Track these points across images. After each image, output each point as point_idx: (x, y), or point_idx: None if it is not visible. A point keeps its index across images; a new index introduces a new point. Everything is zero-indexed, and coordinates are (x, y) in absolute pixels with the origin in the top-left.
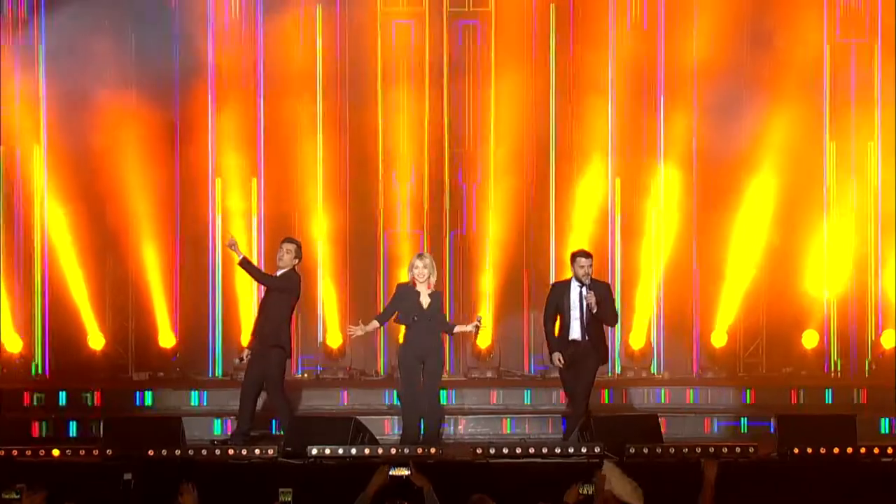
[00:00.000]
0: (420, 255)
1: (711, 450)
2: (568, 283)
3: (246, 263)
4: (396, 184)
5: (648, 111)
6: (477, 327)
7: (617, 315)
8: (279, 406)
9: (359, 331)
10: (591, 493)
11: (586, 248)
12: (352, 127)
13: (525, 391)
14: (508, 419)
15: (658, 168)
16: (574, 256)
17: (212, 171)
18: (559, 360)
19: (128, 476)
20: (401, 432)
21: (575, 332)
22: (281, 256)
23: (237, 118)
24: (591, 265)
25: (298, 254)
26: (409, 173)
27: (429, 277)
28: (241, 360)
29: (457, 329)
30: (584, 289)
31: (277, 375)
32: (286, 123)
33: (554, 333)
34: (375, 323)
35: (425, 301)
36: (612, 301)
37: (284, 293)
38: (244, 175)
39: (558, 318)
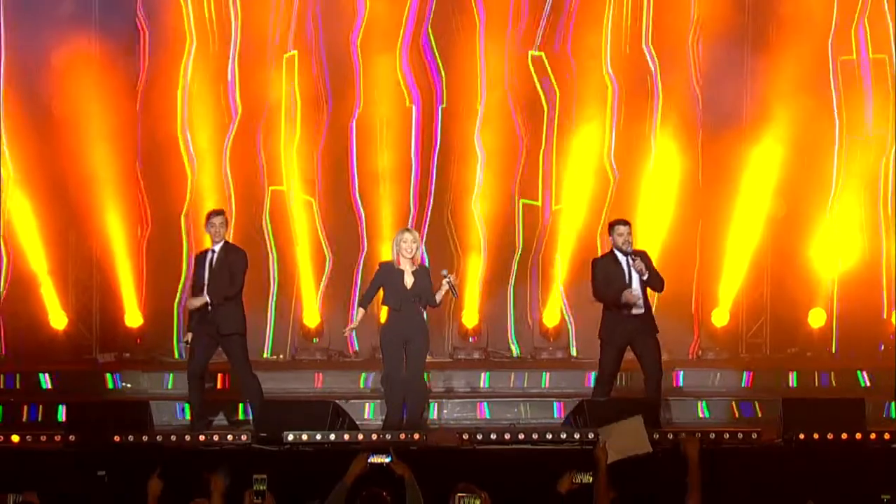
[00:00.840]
0: (406, 230)
1: (712, 435)
2: (610, 255)
3: None
4: (377, 157)
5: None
6: (450, 284)
7: (663, 281)
8: (254, 388)
9: (354, 326)
10: (583, 481)
11: (578, 222)
12: (331, 94)
13: (514, 373)
14: (496, 403)
15: (655, 137)
16: (612, 226)
17: (181, 142)
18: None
19: (101, 472)
20: (383, 417)
21: (634, 307)
22: (217, 231)
23: (208, 85)
24: (629, 233)
25: (227, 223)
26: (391, 145)
27: (415, 253)
28: (188, 342)
29: (438, 297)
30: (629, 257)
31: (246, 357)
32: (259, 87)
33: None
34: (362, 311)
35: (409, 280)
36: (655, 270)
37: (240, 274)
38: (215, 146)
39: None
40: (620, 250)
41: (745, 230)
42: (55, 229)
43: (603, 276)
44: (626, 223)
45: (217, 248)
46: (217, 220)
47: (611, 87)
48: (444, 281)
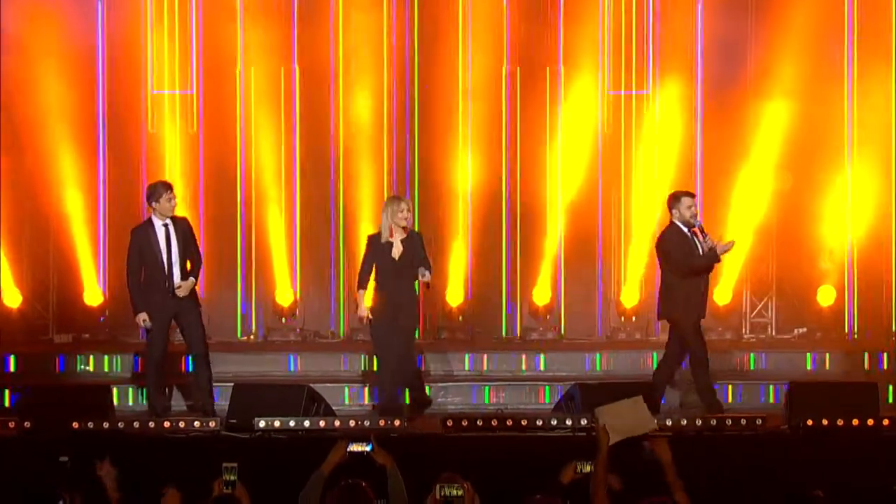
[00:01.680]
0: (397, 198)
1: (713, 422)
2: (673, 227)
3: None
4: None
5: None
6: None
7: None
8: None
9: (363, 310)
10: (586, 471)
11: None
12: (302, 55)
13: (501, 355)
14: (484, 387)
15: (654, 102)
16: (678, 197)
17: (144, 107)
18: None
19: (64, 458)
20: (379, 402)
21: (705, 284)
22: (173, 208)
23: (170, 50)
24: (696, 205)
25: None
26: (367, 109)
27: (410, 220)
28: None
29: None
30: (699, 232)
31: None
32: (226, 48)
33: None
34: (362, 293)
35: (397, 251)
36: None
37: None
38: (184, 114)
39: None
40: (688, 224)
41: (749, 200)
42: (9, 201)
43: (678, 248)
44: (692, 195)
45: (167, 222)
46: (172, 192)
47: (604, 44)
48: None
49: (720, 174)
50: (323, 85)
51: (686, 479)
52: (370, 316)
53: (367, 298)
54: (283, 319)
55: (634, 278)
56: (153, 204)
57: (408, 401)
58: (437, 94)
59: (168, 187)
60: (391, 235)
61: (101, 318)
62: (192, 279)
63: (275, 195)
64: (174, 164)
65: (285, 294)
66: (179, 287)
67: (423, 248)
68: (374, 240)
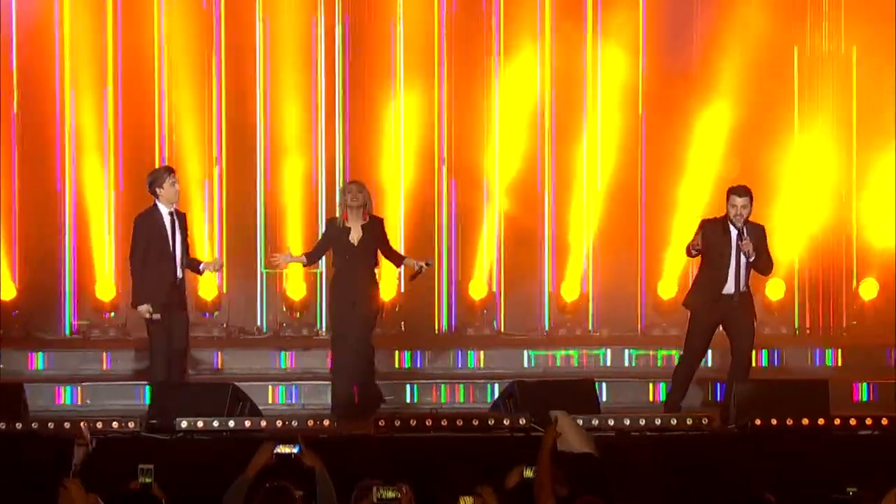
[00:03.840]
0: (351, 181)
1: (658, 421)
2: (723, 222)
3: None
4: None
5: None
6: (422, 268)
7: (771, 265)
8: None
9: (280, 260)
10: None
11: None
12: (230, 32)
13: (435, 352)
14: (416, 385)
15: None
16: (728, 194)
17: (58, 80)
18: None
19: None
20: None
21: (729, 286)
22: (177, 192)
23: (89, 20)
24: (746, 205)
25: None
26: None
27: (364, 206)
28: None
29: (405, 262)
30: (740, 234)
31: None
32: (146, 25)
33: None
34: (303, 259)
35: (355, 236)
36: (767, 249)
37: None
38: (96, 85)
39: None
40: (733, 223)
41: (694, 191)
42: None
43: (706, 242)
44: (743, 192)
45: (173, 209)
46: (175, 177)
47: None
48: (422, 263)
49: (664, 167)
50: (248, 76)
51: (630, 481)
52: (284, 258)
53: (294, 261)
54: (207, 314)
55: (575, 273)
56: (157, 190)
57: (356, 399)
58: (369, 87)
59: (170, 171)
60: (346, 219)
61: (14, 313)
62: (216, 257)
63: (197, 184)
64: (92, 159)
65: (208, 288)
66: (213, 262)
67: (384, 235)
68: (331, 221)
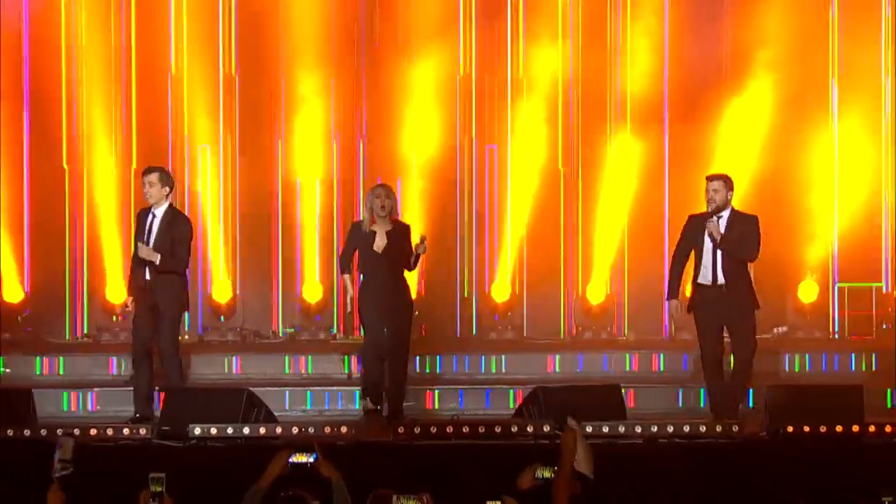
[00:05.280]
0: (379, 185)
1: (686, 428)
2: (706, 215)
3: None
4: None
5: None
6: (418, 256)
7: (752, 250)
8: (172, 372)
9: (352, 294)
10: (545, 476)
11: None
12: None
13: (457, 357)
14: (437, 391)
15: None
16: (706, 181)
17: (66, 83)
18: (676, 308)
19: None
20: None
21: (706, 275)
22: (148, 192)
23: (99, 19)
24: (718, 189)
25: (167, 181)
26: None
27: (390, 211)
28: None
29: (413, 262)
30: (712, 218)
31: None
32: (161, 30)
33: (679, 276)
34: (347, 277)
35: (380, 243)
36: (755, 236)
37: (182, 246)
38: (107, 89)
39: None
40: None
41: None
42: None
43: (689, 240)
44: (717, 178)
45: (158, 211)
46: (147, 178)
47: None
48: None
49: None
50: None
51: (659, 490)
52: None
53: (350, 285)
54: (221, 318)
55: (601, 273)
56: None
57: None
58: (387, 88)
59: (143, 173)
60: (373, 224)
61: (23, 315)
62: (156, 254)
63: (213, 186)
64: (103, 161)
65: (223, 291)
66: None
67: (408, 243)
68: (356, 227)
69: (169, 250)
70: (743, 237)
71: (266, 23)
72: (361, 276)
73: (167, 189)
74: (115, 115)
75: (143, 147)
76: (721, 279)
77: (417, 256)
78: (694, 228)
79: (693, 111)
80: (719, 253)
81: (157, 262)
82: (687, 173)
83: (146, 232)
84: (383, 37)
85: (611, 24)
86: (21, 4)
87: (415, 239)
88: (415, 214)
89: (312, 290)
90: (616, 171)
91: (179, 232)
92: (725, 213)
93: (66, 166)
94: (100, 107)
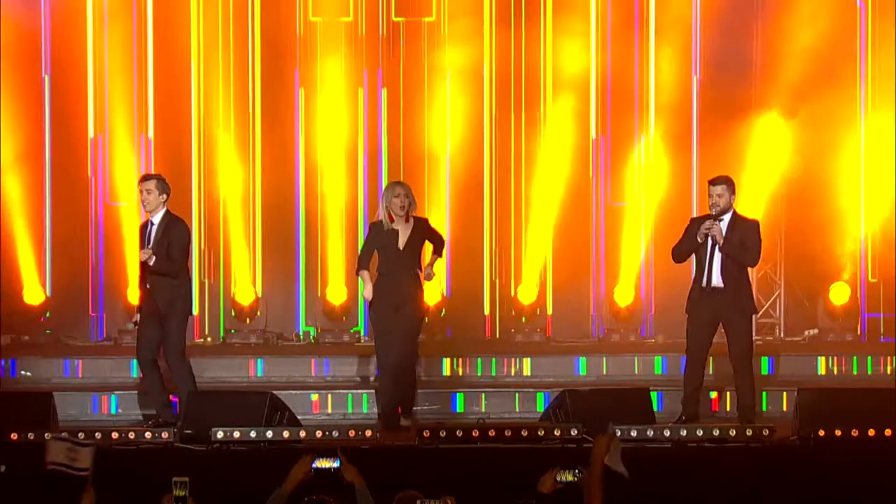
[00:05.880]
0: (396, 183)
1: (716, 432)
2: (707, 217)
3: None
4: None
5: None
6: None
7: (753, 256)
8: (181, 376)
9: (368, 295)
10: (567, 480)
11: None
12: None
13: (482, 359)
14: (462, 394)
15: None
16: (708, 186)
17: (91, 87)
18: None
19: (2, 468)
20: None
21: (705, 278)
22: (146, 199)
23: (121, 27)
24: (722, 194)
25: (164, 188)
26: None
27: (408, 210)
28: (134, 324)
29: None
30: (712, 218)
31: (179, 341)
32: (181, 39)
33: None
34: (365, 273)
35: (402, 240)
36: (756, 242)
37: (176, 249)
38: (128, 94)
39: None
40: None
41: (754, 188)
42: None
43: (690, 241)
44: (719, 181)
45: (155, 218)
46: (145, 185)
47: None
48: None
49: (719, 161)
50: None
51: (688, 494)
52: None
53: (367, 285)
54: (246, 320)
55: (629, 275)
56: None
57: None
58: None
59: (140, 179)
60: (392, 222)
61: (44, 318)
62: (154, 257)
63: (236, 187)
64: (125, 164)
65: (246, 292)
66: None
67: (431, 231)
68: (375, 225)
69: (165, 253)
70: (744, 242)
71: (287, 16)
72: (379, 272)
73: (164, 196)
74: (138, 121)
75: (164, 153)
76: (720, 282)
77: (442, 243)
78: (696, 230)
79: (722, 114)
80: (719, 256)
81: (152, 263)
82: (716, 175)
83: (147, 241)
84: (409, 33)
85: (641, 24)
86: (39, 7)
87: (435, 226)
88: (440, 215)
89: (337, 292)
90: (644, 172)
91: (175, 235)
92: (727, 216)
93: (88, 171)
94: (122, 113)
